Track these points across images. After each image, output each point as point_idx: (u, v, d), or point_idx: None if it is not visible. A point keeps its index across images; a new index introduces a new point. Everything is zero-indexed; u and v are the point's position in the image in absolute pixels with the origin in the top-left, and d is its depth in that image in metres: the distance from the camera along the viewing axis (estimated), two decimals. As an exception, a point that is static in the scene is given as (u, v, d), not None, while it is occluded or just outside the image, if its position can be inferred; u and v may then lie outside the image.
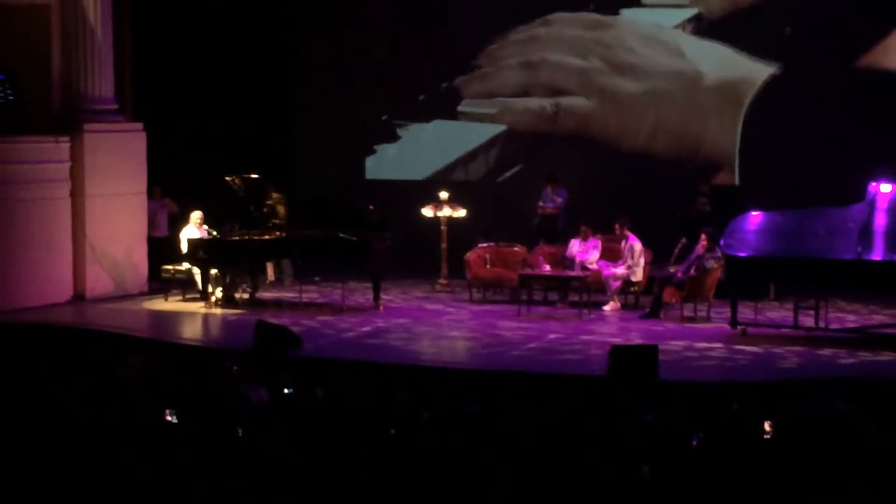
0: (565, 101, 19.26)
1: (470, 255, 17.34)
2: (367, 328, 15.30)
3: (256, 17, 20.25)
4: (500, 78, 19.71)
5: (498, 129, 19.96)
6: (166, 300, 17.04)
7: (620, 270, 16.39)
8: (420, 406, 9.05)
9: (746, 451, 7.89)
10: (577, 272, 16.38)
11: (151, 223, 18.05)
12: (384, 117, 20.59)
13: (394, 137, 20.61)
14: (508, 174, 19.97)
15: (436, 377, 12.82)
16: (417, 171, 20.38)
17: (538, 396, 11.46)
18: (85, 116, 17.12)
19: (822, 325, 14.78)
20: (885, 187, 14.44)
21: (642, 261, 16.39)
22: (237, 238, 16.93)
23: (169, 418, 8.53)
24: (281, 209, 16.89)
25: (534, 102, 19.50)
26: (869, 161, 16.27)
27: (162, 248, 17.78)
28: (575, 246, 16.72)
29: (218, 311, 16.46)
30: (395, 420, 8.59)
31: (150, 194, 18.04)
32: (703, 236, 15.60)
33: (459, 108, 19.98)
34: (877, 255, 14.41)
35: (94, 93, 17.20)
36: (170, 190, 18.47)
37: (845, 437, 8.14)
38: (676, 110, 18.73)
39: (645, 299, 16.35)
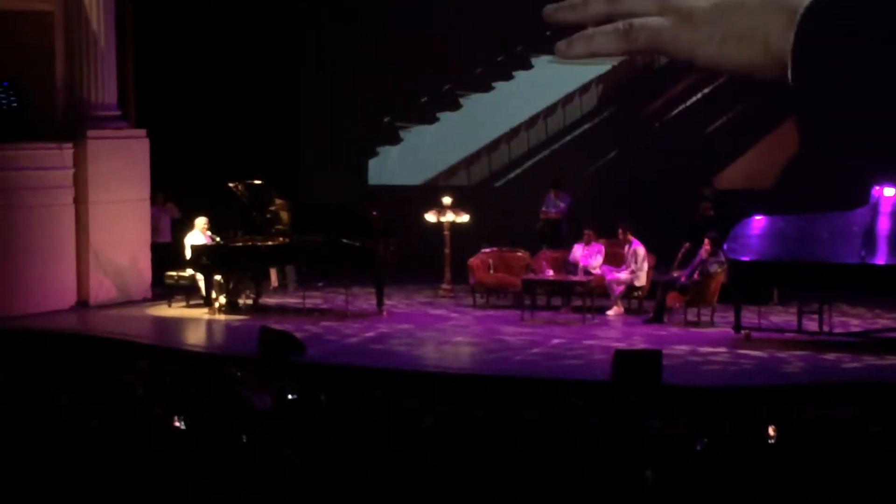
0: (638, 20, 19.12)
1: (473, 261, 17.34)
2: (370, 334, 15.30)
3: (258, 23, 20.27)
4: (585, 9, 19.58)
5: (501, 129, 19.98)
6: (170, 306, 17.04)
7: (624, 275, 16.38)
8: (424, 411, 9.06)
9: (751, 456, 7.89)
10: (580, 277, 16.37)
11: (154, 229, 18.05)
12: (386, 119, 20.63)
13: (396, 140, 20.65)
14: (511, 177, 19.99)
15: (439, 382, 12.82)
16: (420, 173, 20.41)
17: (542, 401, 11.46)
18: (88, 123, 17.13)
19: (826, 329, 14.76)
20: (889, 191, 14.43)
21: (646, 265, 16.38)
22: (240, 244, 16.93)
23: (177, 424, 8.54)
24: (284, 215, 16.89)
25: (608, 27, 19.36)
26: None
27: (165, 254, 17.79)
28: (578, 250, 16.71)
29: (221, 317, 16.46)
30: (399, 425, 8.59)
31: (153, 200, 18.05)
32: (706, 241, 15.59)
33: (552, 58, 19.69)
34: (880, 259, 14.39)
35: (98, 99, 17.21)
36: (173, 196, 18.48)
37: (850, 442, 8.13)
38: (744, 18, 18.63)
39: (648, 304, 16.33)
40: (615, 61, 19.42)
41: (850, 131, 17.86)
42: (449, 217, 17.83)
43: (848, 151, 17.65)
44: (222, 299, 16.67)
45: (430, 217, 17.92)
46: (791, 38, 18.12)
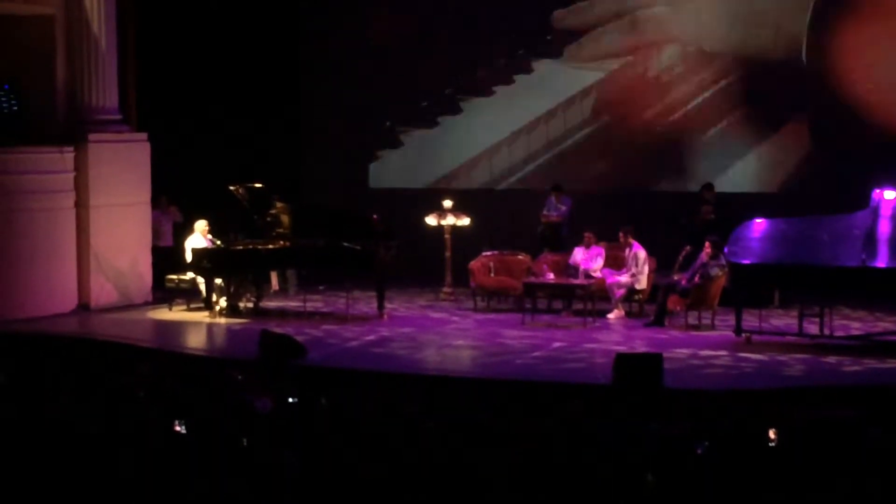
0: (642, 12, 19.10)
1: (474, 264, 17.33)
2: (371, 337, 15.29)
3: (260, 27, 20.29)
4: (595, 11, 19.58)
5: (502, 133, 19.99)
6: (170, 310, 17.04)
7: (624, 278, 16.38)
8: (424, 415, 9.06)
9: (752, 459, 7.89)
10: (581, 280, 16.36)
11: (156, 233, 18.08)
12: (388, 123, 20.64)
13: (397, 144, 20.66)
14: (512, 180, 19.99)
15: (440, 386, 12.81)
16: (421, 177, 20.43)
17: (543, 405, 11.45)
18: (89, 126, 17.13)
19: (826, 332, 14.75)
20: (889, 194, 14.43)
21: (646, 269, 16.37)
22: (241, 247, 16.93)
23: (178, 428, 8.54)
24: (285, 218, 16.89)
25: (614, 24, 19.35)
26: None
27: (167, 257, 17.78)
28: (579, 254, 16.71)
29: (222, 320, 16.46)
30: (400, 428, 8.59)
31: (156, 204, 18.08)
32: (707, 244, 15.59)
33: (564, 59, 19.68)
34: (881, 262, 14.38)
35: (99, 103, 17.21)
36: (174, 199, 18.48)
37: (850, 445, 8.13)
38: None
39: (649, 307, 16.33)
40: (621, 62, 19.39)
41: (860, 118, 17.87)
42: (450, 220, 17.83)
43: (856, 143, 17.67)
44: (223, 303, 16.66)
45: (431, 220, 17.92)
46: (806, 19, 18.14)
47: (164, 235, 18.33)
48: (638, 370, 12.26)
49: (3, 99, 16.84)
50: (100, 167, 17.10)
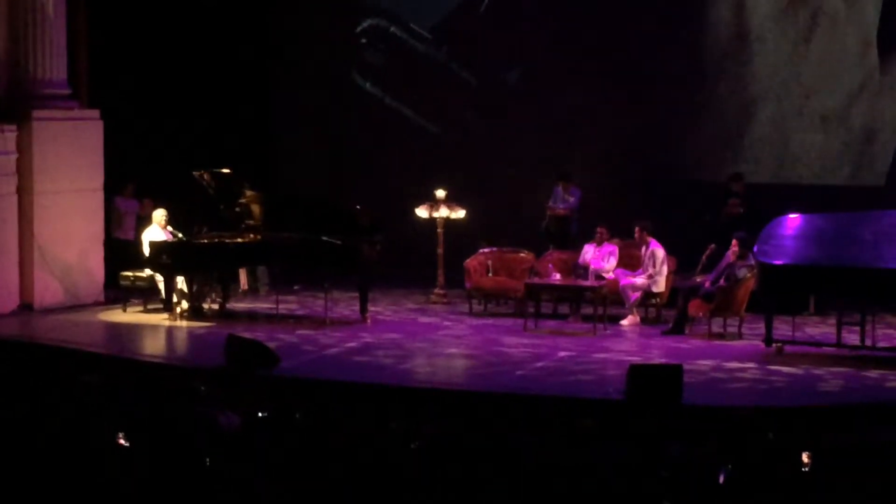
0: None
1: (470, 262, 17.37)
2: (352, 344, 15.33)
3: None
4: None
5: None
6: (125, 311, 17.06)
7: (640, 280, 16.42)
8: (412, 433, 9.09)
9: (782, 487, 7.92)
10: (591, 282, 16.40)
11: (118, 223, 18.14)
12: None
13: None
14: (513, 170, 20.04)
15: (430, 400, 12.85)
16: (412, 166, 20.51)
17: (547, 423, 11.48)
18: (34, 102, 17.14)
19: (868, 342, 14.80)
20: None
21: (665, 269, 16.41)
22: (206, 241, 16.96)
23: (121, 441, 8.57)
24: (256, 209, 16.92)
25: None
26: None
27: (125, 251, 17.71)
28: (589, 252, 16.74)
29: (184, 323, 16.49)
30: (385, 449, 8.62)
31: (122, 191, 18.15)
32: (734, 242, 15.63)
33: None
34: (931, 263, 14.44)
35: (45, 76, 17.21)
36: (146, 191, 18.47)
37: (894, 470, 8.16)
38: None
39: (668, 313, 16.38)
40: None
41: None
42: (443, 213, 17.84)
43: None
44: (185, 304, 16.68)
45: (422, 212, 17.94)
46: None
47: (126, 227, 18.31)
48: (654, 384, 12.30)
49: (-64, 71, 16.86)
50: (45, 148, 17.11)
